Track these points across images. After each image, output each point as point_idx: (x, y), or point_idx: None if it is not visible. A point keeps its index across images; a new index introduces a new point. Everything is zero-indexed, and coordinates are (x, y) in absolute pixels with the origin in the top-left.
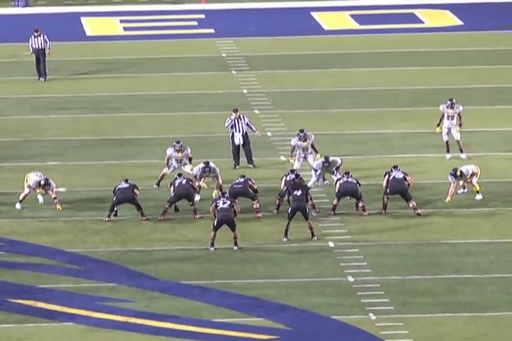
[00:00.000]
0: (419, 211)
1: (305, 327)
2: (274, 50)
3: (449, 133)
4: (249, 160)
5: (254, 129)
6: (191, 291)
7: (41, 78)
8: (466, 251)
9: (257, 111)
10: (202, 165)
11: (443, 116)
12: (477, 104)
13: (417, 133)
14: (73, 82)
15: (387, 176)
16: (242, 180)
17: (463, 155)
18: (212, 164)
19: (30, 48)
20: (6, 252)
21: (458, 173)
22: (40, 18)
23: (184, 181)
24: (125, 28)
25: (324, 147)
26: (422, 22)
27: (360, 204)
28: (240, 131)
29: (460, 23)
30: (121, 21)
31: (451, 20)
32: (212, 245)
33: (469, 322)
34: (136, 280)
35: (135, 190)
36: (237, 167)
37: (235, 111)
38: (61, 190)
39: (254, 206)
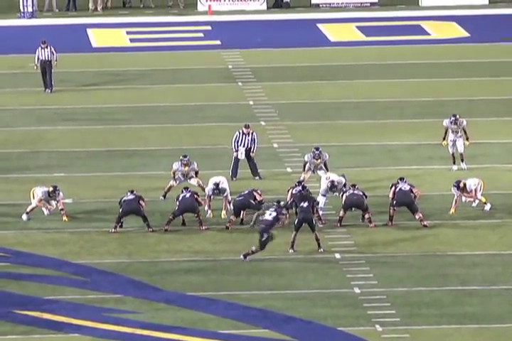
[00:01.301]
0: (425, 222)
1: (311, 339)
2: (280, 61)
3: (454, 145)
4: (255, 174)
5: (253, 150)
6: (197, 302)
7: (47, 89)
8: (472, 263)
9: (263, 123)
10: (212, 186)
11: (447, 130)
12: (483, 115)
13: (423, 144)
14: (79, 93)
15: (393, 188)
16: (246, 192)
17: (463, 165)
18: (222, 185)
19: (37, 60)
20: (11, 263)
21: (461, 185)
22: (46, 29)
23: (188, 195)
24: (131, 40)
25: (330, 158)
26: (429, 34)
27: (367, 216)
28: (244, 146)
29: (466, 34)
30: (127, 33)
31: (458, 32)
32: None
33: (476, 334)
34: (142, 291)
35: (141, 202)
36: (234, 179)
37: (247, 127)
38: (67, 201)
39: None
